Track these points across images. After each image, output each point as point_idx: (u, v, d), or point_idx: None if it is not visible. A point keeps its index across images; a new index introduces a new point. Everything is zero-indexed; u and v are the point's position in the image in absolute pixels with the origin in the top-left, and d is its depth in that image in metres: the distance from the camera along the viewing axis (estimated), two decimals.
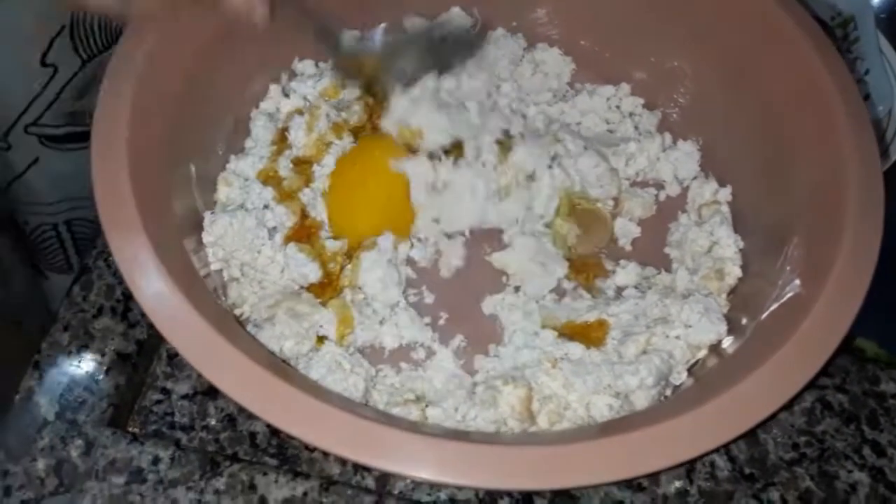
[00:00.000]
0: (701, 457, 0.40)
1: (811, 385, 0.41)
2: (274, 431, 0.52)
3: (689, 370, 0.52)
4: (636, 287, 0.55)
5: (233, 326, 0.50)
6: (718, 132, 0.59)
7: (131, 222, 0.44)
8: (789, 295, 0.46)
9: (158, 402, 0.54)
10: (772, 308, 0.47)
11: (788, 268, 0.48)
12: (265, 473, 0.50)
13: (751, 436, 0.53)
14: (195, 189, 0.55)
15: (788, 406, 0.41)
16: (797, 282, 0.46)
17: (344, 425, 0.40)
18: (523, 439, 0.46)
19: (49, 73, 0.64)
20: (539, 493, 0.51)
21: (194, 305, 0.42)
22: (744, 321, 0.50)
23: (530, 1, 0.65)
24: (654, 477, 0.52)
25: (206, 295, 0.49)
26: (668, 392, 0.51)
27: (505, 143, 0.58)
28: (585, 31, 0.64)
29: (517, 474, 0.39)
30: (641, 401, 0.49)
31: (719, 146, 0.59)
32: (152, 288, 0.43)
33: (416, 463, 0.39)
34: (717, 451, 0.52)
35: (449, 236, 0.58)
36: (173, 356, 0.55)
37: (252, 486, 0.50)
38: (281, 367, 0.49)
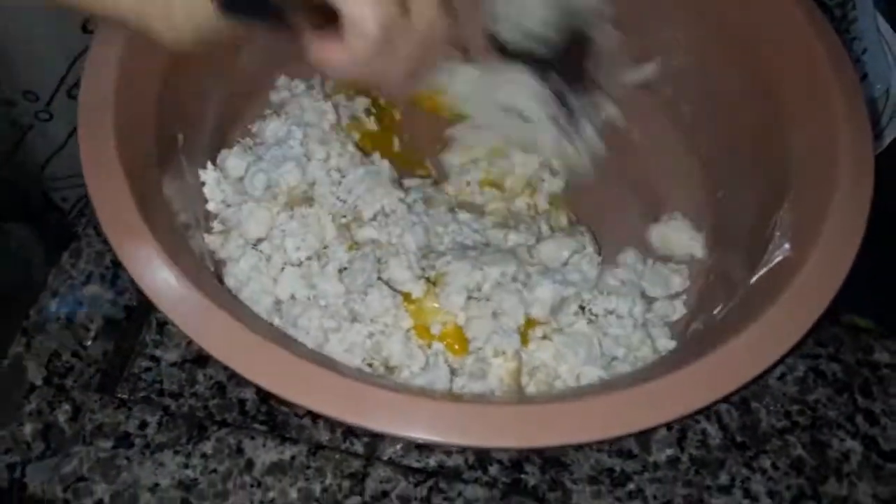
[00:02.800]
0: (689, 416, 0.40)
1: (802, 351, 0.41)
2: (263, 399, 0.52)
3: (679, 338, 0.51)
4: None
5: (218, 288, 0.50)
6: (710, 100, 0.59)
7: (119, 190, 0.44)
8: (778, 259, 0.46)
9: (147, 369, 0.54)
10: (761, 272, 0.46)
11: (778, 233, 0.47)
12: (253, 438, 0.50)
13: (742, 404, 0.53)
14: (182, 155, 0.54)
15: (779, 365, 0.41)
16: (787, 245, 0.45)
17: (332, 385, 0.39)
18: (513, 399, 0.46)
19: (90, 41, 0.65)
20: (529, 460, 0.50)
21: (182, 270, 0.42)
22: (734, 288, 0.49)
23: None
24: (644, 444, 0.52)
25: (192, 258, 0.49)
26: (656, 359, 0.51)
27: None
28: None
29: (507, 432, 0.38)
30: (628, 370, 0.49)
31: (711, 113, 0.59)
32: (139, 251, 0.42)
33: (404, 422, 0.38)
34: (709, 414, 0.52)
35: None
36: (163, 324, 0.55)
37: (239, 450, 0.50)
38: (264, 326, 0.48)
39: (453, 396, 0.46)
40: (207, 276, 0.49)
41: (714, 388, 0.39)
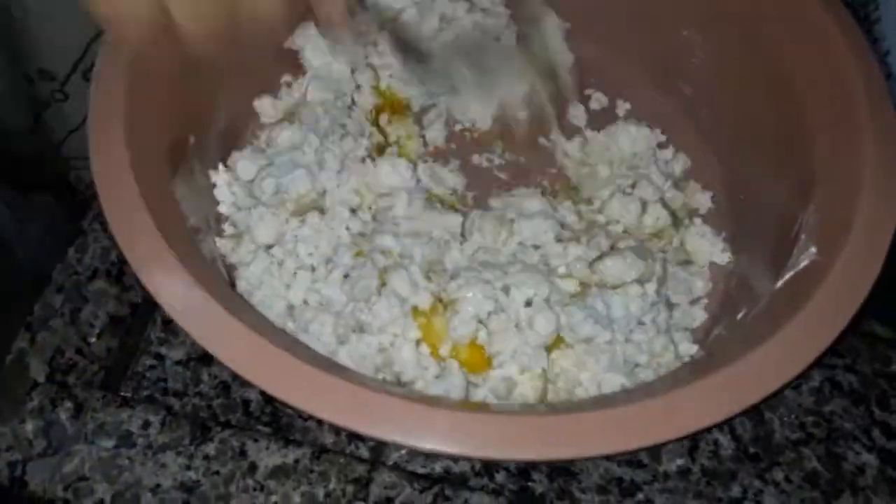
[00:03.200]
0: (706, 430, 0.39)
1: (821, 362, 0.39)
2: (268, 399, 0.51)
3: (701, 344, 0.51)
4: None
5: (228, 292, 0.49)
6: (730, 101, 0.57)
7: (129, 195, 0.43)
8: (804, 263, 0.44)
9: (152, 367, 0.53)
10: (786, 277, 0.45)
11: (804, 236, 0.46)
12: (256, 440, 0.49)
13: (756, 414, 0.52)
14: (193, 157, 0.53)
15: (800, 378, 0.40)
16: (813, 249, 0.44)
17: (339, 393, 0.38)
18: (531, 409, 0.45)
19: None
20: (536, 468, 0.49)
21: (190, 271, 0.41)
22: (758, 293, 0.48)
23: None
24: (655, 454, 0.50)
25: (203, 262, 0.48)
26: (678, 365, 0.49)
27: None
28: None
29: (527, 445, 0.37)
30: (651, 378, 0.48)
31: (732, 117, 0.58)
32: (146, 250, 0.41)
33: (412, 432, 0.37)
34: (722, 425, 0.50)
35: None
36: (168, 321, 0.54)
37: (242, 453, 0.49)
38: (274, 330, 0.47)
39: (467, 405, 0.44)
40: (219, 280, 0.48)
41: (738, 399, 0.38)
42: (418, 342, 0.48)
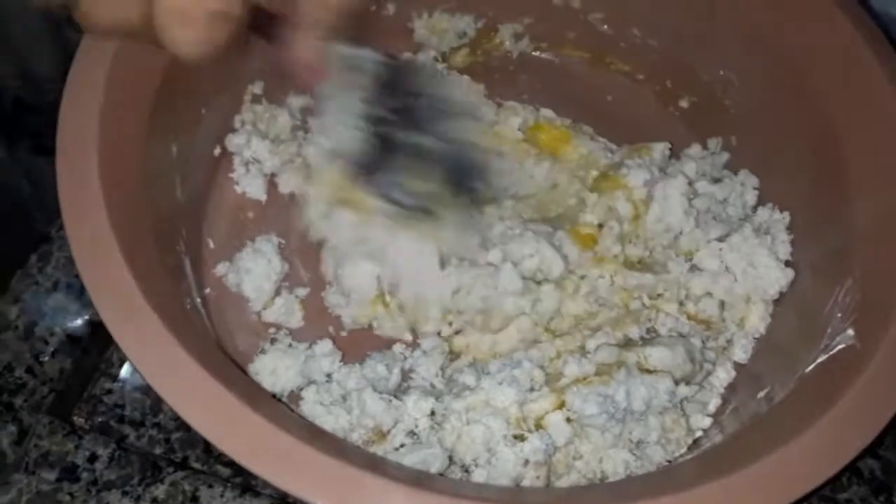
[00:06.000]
0: None
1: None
2: None
3: (714, 417, 0.46)
4: None
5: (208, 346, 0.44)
6: (766, 156, 0.53)
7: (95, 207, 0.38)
8: (840, 347, 0.40)
9: (109, 391, 0.49)
10: (819, 360, 0.40)
11: (839, 314, 0.41)
12: (211, 486, 0.45)
13: None
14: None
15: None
16: (850, 332, 0.39)
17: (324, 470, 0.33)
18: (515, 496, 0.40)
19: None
20: None
21: (153, 306, 0.36)
22: (786, 367, 0.43)
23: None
24: None
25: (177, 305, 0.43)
26: (689, 441, 0.45)
27: None
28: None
29: None
30: (659, 454, 0.43)
31: (767, 171, 0.53)
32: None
33: None
34: None
35: None
36: None
37: (194, 499, 0.44)
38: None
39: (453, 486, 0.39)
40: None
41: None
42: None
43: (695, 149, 0.56)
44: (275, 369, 0.45)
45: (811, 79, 0.48)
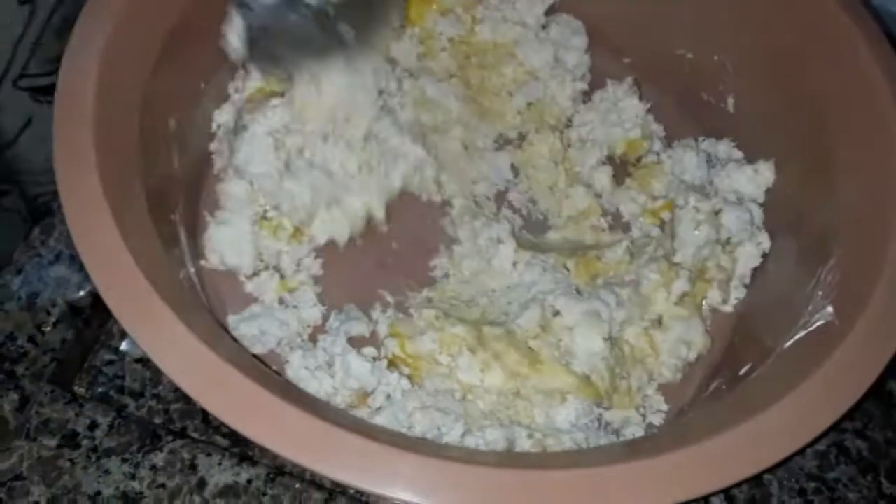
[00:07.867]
0: (697, 500, 0.34)
1: (833, 427, 0.35)
2: None
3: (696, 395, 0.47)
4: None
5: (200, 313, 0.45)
6: (754, 133, 0.53)
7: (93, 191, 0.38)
8: (819, 323, 0.40)
9: (110, 362, 0.49)
10: (798, 336, 0.41)
11: (820, 293, 0.42)
12: (209, 454, 0.45)
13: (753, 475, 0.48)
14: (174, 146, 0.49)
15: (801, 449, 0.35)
16: (829, 309, 0.40)
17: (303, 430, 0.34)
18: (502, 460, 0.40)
19: (27, 12, 0.59)
20: None
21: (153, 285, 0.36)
22: (766, 344, 0.44)
23: None
24: None
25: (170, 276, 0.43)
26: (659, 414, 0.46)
27: None
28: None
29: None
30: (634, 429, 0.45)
31: (754, 150, 0.53)
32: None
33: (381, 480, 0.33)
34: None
35: None
36: None
37: (192, 466, 0.45)
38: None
39: (436, 449, 0.40)
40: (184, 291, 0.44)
41: (732, 471, 0.34)
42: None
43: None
44: (262, 329, 0.47)
45: (806, 71, 0.48)
